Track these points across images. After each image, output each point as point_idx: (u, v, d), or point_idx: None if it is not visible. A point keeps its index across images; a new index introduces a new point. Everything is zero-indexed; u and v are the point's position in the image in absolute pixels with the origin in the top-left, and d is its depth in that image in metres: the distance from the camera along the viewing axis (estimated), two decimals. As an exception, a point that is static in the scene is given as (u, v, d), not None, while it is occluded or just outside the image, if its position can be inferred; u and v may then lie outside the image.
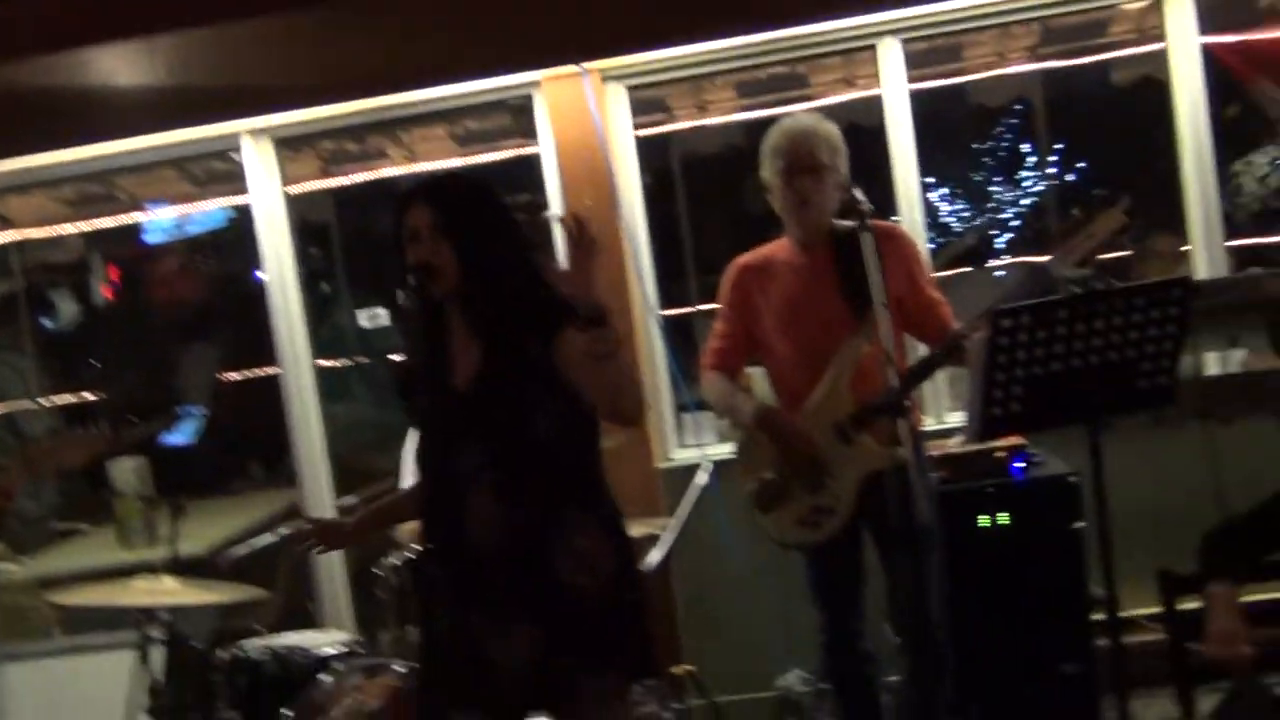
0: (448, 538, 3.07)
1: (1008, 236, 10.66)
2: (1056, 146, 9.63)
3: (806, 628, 4.62)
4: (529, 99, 5.34)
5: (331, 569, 5.58)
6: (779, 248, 4.20)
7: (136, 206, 7.27)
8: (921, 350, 4.39)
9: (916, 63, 5.53)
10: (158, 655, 4.18)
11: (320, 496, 5.59)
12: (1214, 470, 3.78)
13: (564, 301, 2.89)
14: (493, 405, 3.06)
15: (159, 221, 7.88)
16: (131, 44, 4.92)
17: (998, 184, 10.93)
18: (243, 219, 7.74)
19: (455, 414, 3.05)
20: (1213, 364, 4.35)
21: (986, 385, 3.44)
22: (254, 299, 8.79)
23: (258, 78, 5.00)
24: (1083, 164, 9.75)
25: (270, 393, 7.46)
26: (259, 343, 8.09)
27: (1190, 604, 3.40)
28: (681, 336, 5.97)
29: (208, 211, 7.95)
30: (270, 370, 7.52)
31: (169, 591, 4.09)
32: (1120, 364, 3.42)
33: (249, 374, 7.77)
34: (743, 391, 4.22)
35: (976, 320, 3.75)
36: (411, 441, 4.59)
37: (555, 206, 5.25)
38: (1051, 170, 10.00)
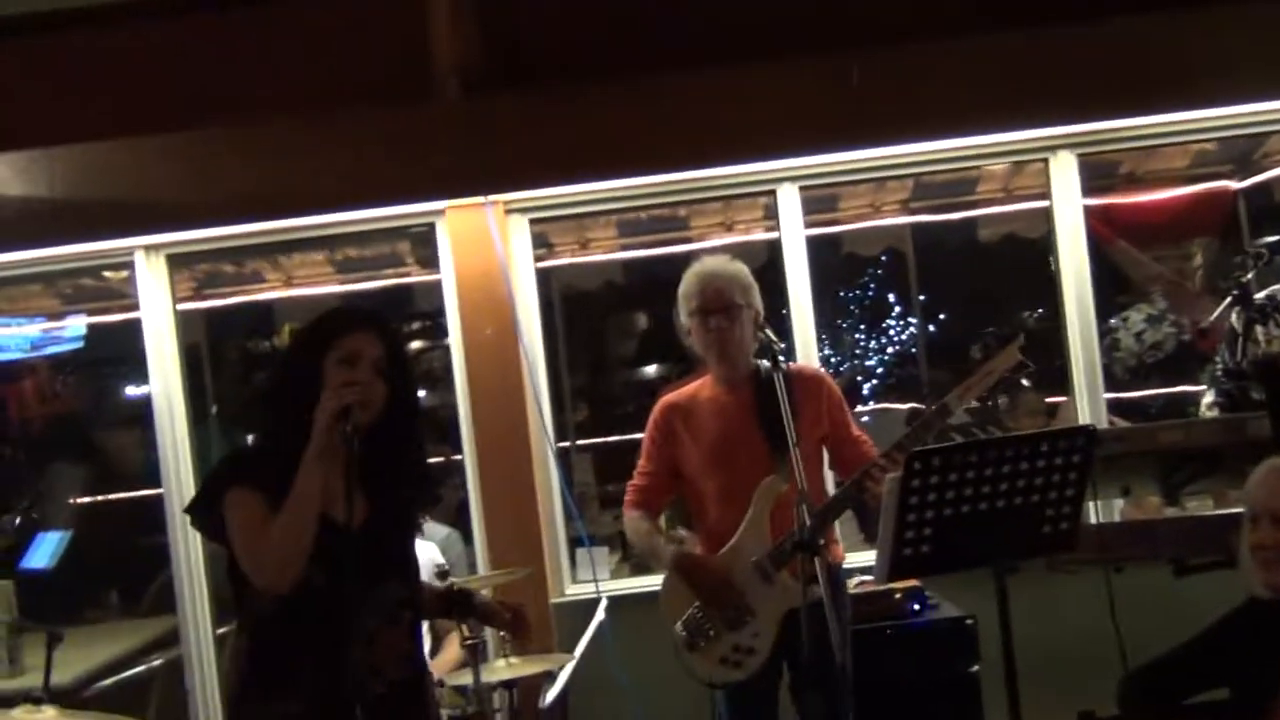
0: (350, 679, 2.87)
1: (872, 383, 10.92)
2: (922, 297, 9.93)
3: None
4: (431, 227, 5.34)
5: (209, 699, 5.36)
6: (702, 386, 4.25)
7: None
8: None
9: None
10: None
11: (200, 625, 5.38)
12: (1109, 615, 3.84)
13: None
14: (399, 546, 3.07)
15: (13, 338, 7.67)
16: (24, 155, 4.87)
17: (863, 331, 11.23)
18: (99, 338, 7.63)
19: (355, 550, 2.84)
20: (1106, 512, 4.48)
21: (899, 526, 3.47)
22: (116, 420, 8.61)
23: (157, 195, 4.94)
24: (946, 315, 10.07)
25: (132, 517, 7.25)
26: (119, 465, 7.94)
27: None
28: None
29: (65, 330, 7.77)
30: (126, 495, 7.35)
31: (41, 724, 3.87)
32: (1026, 508, 3.47)
33: (106, 497, 7.54)
34: (661, 534, 4.23)
35: (885, 458, 3.83)
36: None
37: (454, 333, 5.22)
38: (914, 321, 10.29)
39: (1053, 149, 5.39)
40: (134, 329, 6.95)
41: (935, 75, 4.99)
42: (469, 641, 3.96)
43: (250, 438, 3.26)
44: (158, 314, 5.43)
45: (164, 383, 5.42)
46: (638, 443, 4.42)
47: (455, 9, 4.95)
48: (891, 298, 10.78)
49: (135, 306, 6.75)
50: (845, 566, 4.32)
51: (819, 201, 5.99)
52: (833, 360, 10.76)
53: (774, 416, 3.82)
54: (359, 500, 2.87)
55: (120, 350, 8.38)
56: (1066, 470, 3.46)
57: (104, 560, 7.31)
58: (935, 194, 6.66)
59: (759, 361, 4.10)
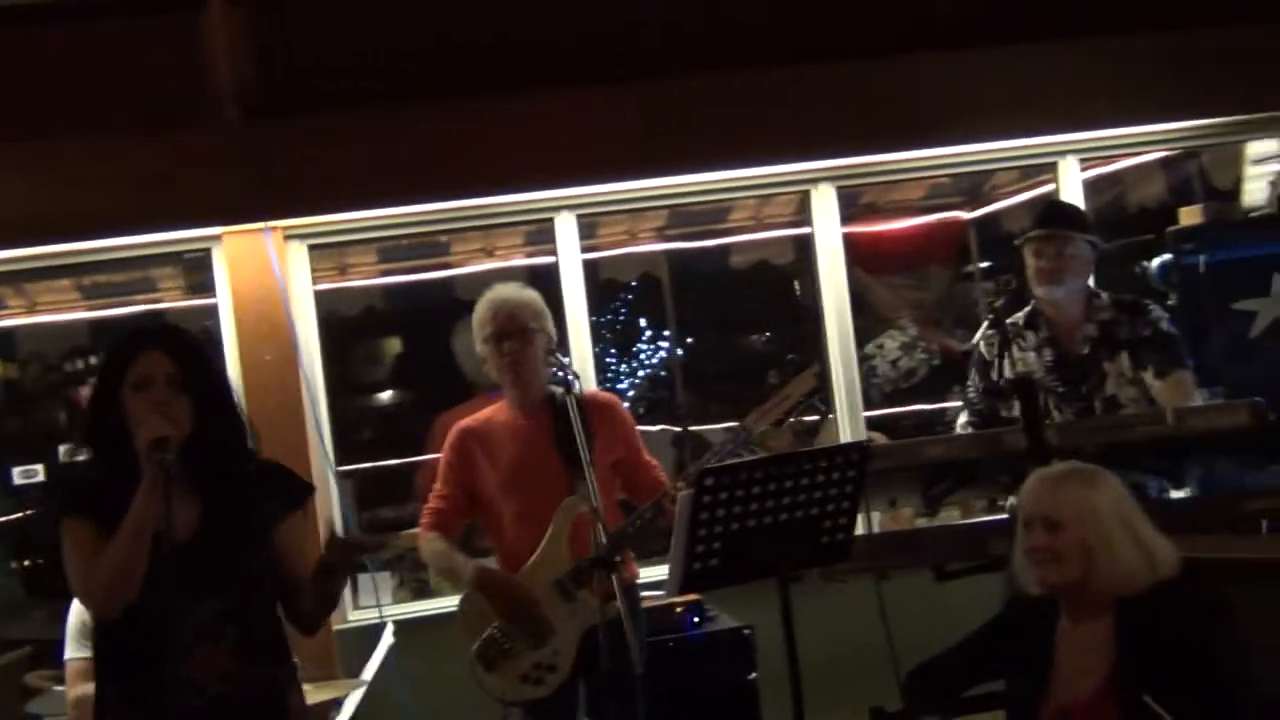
0: (170, 693, 2.88)
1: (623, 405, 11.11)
2: (674, 323, 10.18)
3: None
4: (207, 253, 5.28)
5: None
6: (497, 410, 4.34)
7: None
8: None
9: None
10: None
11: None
12: (880, 620, 4.09)
13: (287, 481, 3.15)
14: (224, 560, 3.01)
15: None
16: None
17: (613, 356, 11.44)
18: None
19: (178, 565, 2.83)
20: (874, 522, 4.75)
21: (690, 541, 3.63)
22: None
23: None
24: (699, 339, 10.34)
25: None
26: None
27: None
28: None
29: None
30: None
31: None
32: (806, 521, 3.68)
33: None
34: (459, 553, 4.28)
35: (683, 478, 4.01)
36: (76, 606, 4.40)
37: (231, 358, 5.17)
38: (666, 345, 10.54)
39: (814, 181, 5.70)
40: None
41: (716, 108, 5.22)
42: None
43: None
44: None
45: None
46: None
47: (232, 36, 4.95)
48: (643, 322, 11.02)
49: None
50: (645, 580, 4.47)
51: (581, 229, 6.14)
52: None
53: (570, 440, 3.97)
54: (182, 516, 2.88)
55: None
56: (843, 484, 3.68)
57: None
58: (690, 222, 6.91)
59: (553, 388, 4.22)
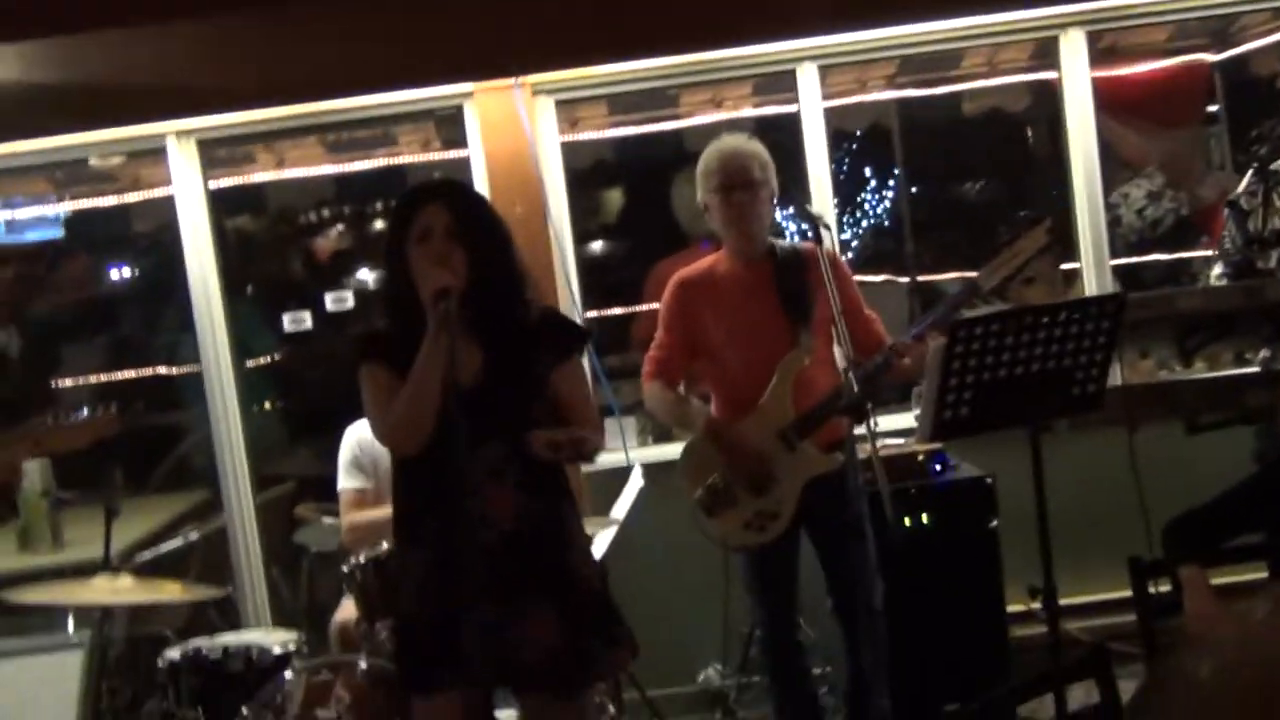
0: (463, 528, 3.11)
1: (847, 256, 11.07)
2: (897, 172, 10.04)
3: (720, 625, 4.95)
4: (459, 109, 5.43)
5: (252, 565, 5.54)
6: (717, 261, 4.41)
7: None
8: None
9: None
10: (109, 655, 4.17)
11: (242, 496, 5.56)
12: (1131, 471, 4.09)
13: (568, 327, 3.30)
14: (508, 405, 3.19)
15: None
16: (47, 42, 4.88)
17: (837, 207, 11.34)
18: (81, 224, 7.66)
19: (464, 410, 3.05)
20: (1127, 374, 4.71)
21: (941, 390, 3.68)
22: (117, 303, 8.69)
23: (190, 79, 4.98)
24: (928, 190, 10.20)
25: (137, 397, 7.33)
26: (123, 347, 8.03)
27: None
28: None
29: (42, 219, 7.79)
30: (131, 374, 7.43)
31: (129, 590, 4.06)
32: (1058, 372, 3.69)
33: (112, 377, 7.62)
34: (688, 401, 4.40)
35: (922, 332, 4.04)
36: (349, 441, 4.69)
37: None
38: (892, 195, 10.41)
39: (1063, 26, 5.54)
40: (119, 214, 7.07)
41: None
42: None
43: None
44: (191, 196, 5.50)
45: (199, 263, 5.51)
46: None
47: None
48: (867, 172, 10.90)
49: (124, 190, 6.91)
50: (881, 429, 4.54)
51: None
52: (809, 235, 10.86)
53: (795, 290, 4.05)
54: (466, 363, 3.10)
55: (107, 235, 8.48)
56: (1096, 335, 3.68)
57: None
58: (922, 68, 6.79)
59: (775, 240, 4.26)
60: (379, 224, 10.08)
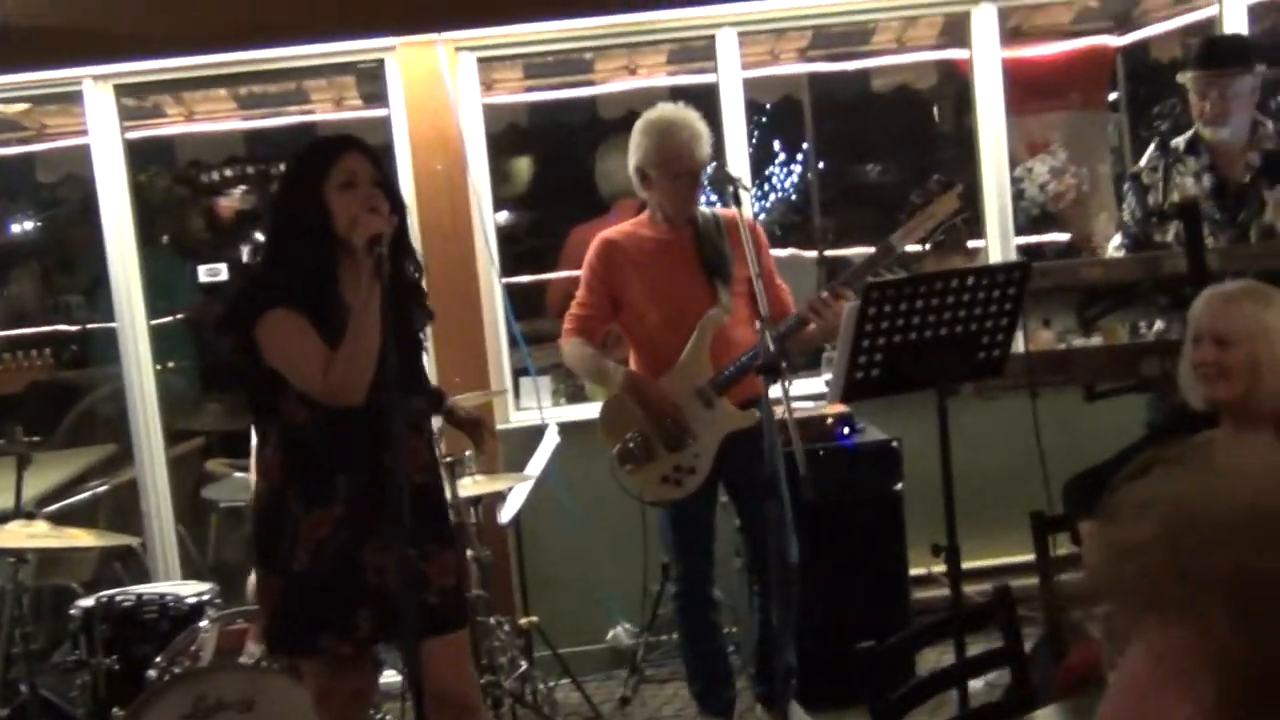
0: (369, 471, 3.17)
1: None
2: (806, 146, 10.14)
3: (631, 585, 5.05)
4: (380, 64, 5.43)
5: (162, 519, 5.52)
6: (639, 224, 4.52)
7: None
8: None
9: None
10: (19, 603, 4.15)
11: (154, 449, 5.53)
12: (1033, 437, 4.23)
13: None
14: (411, 357, 3.28)
15: None
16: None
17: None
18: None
19: (391, 363, 3.04)
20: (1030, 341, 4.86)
21: (853, 351, 3.78)
22: (19, 257, 8.54)
23: (107, 24, 4.94)
24: (842, 166, 10.32)
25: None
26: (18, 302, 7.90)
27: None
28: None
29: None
30: (28, 331, 7.33)
31: (44, 536, 4.05)
32: (966, 336, 3.82)
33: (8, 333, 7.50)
34: (606, 358, 4.48)
35: (835, 290, 4.14)
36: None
37: (405, 168, 5.35)
38: (799, 168, 10.52)
39: (975, 1, 5.65)
40: (22, 163, 6.95)
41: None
42: (447, 459, 4.20)
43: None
44: (108, 144, 5.42)
45: (115, 215, 5.43)
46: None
47: None
48: (776, 145, 10.99)
49: (30, 140, 6.80)
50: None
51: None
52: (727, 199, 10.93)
53: (714, 254, 4.17)
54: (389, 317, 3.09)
55: (7, 186, 8.32)
56: (1003, 302, 3.81)
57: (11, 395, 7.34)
58: (832, 43, 6.89)
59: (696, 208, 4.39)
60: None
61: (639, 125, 4.44)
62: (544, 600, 5.11)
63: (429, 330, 3.60)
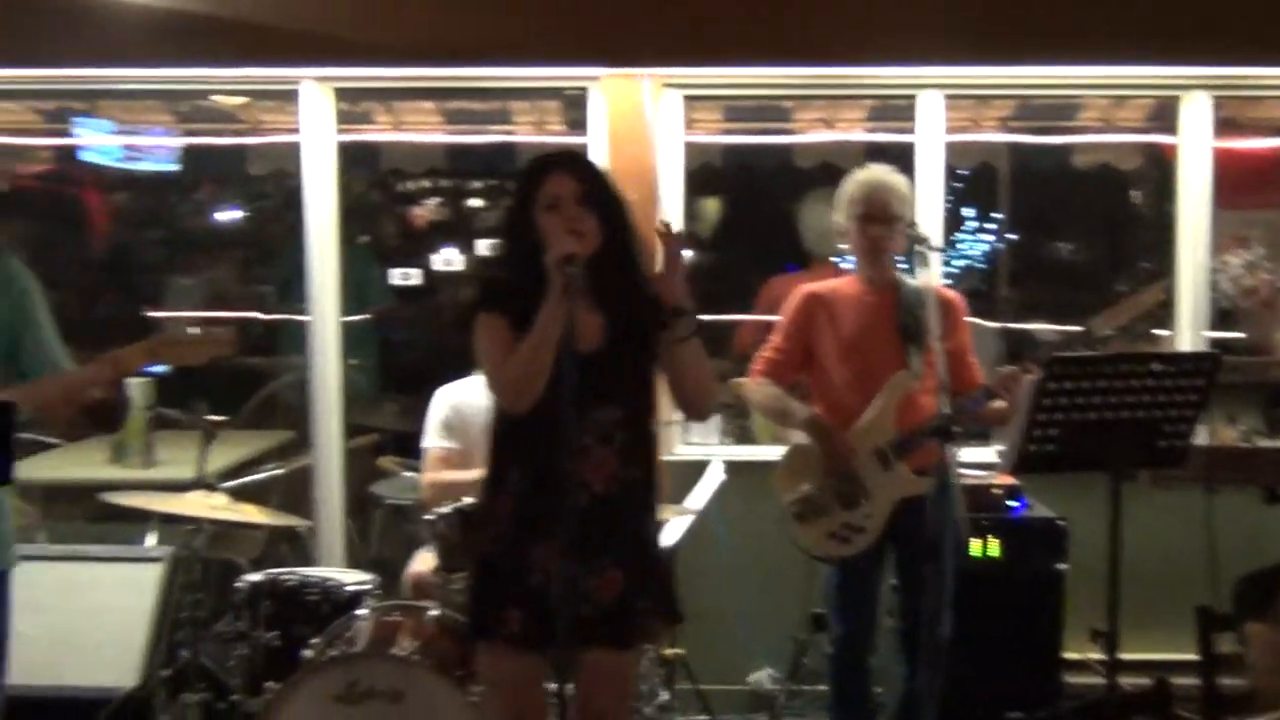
0: (556, 486, 3.17)
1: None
2: (999, 216, 10.03)
3: (780, 630, 5.10)
4: (585, 92, 5.56)
5: (332, 507, 5.70)
6: (845, 283, 4.58)
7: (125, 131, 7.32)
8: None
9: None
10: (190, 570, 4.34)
11: (333, 439, 5.73)
12: (1206, 533, 4.14)
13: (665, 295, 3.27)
14: (622, 372, 3.31)
15: (106, 148, 7.84)
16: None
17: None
18: (195, 160, 7.85)
19: (580, 373, 3.12)
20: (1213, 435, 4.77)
21: (1030, 423, 3.76)
22: (220, 243, 8.92)
23: (333, 29, 5.18)
24: (1035, 239, 10.18)
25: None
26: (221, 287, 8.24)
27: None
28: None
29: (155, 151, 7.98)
30: (227, 314, 7.62)
31: (222, 508, 4.22)
32: (1146, 422, 3.76)
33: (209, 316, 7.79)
34: (791, 399, 4.51)
35: (1025, 368, 4.11)
36: (442, 401, 4.83)
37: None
38: (990, 236, 10.41)
39: (1187, 88, 5.56)
40: (235, 154, 7.23)
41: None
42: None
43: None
44: (321, 144, 5.63)
45: (320, 212, 5.64)
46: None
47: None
48: (967, 212, 10.89)
49: (245, 133, 7.07)
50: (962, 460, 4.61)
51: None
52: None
53: (910, 321, 4.20)
54: (588, 327, 3.22)
55: (221, 175, 8.69)
56: (1189, 392, 3.75)
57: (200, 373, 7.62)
58: (1036, 115, 6.82)
59: (901, 274, 4.42)
60: (475, 202, 10.28)
61: (847, 179, 4.50)
62: (691, 634, 5.12)
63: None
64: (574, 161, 3.38)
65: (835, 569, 4.46)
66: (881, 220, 4.37)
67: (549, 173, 3.29)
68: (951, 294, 4.59)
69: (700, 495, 4.87)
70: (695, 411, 3.53)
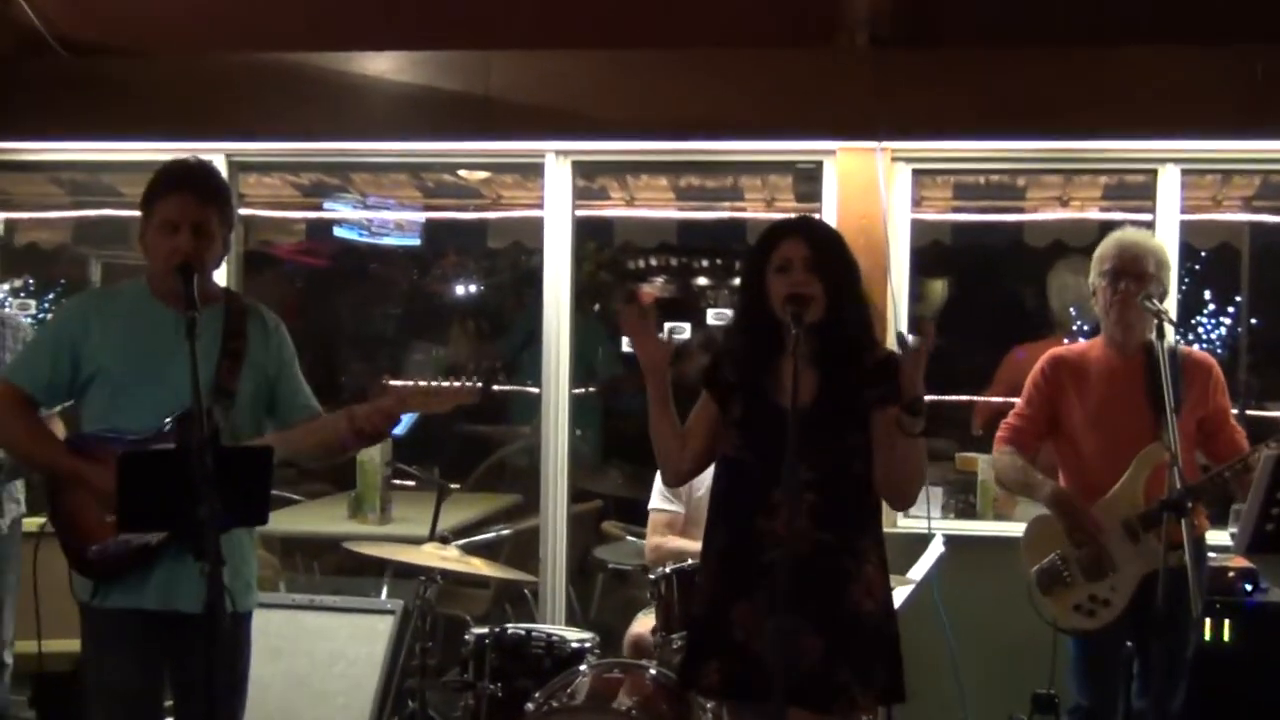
0: (753, 545, 3.28)
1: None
2: (1239, 299, 9.69)
3: (993, 708, 5.06)
4: (819, 165, 5.65)
5: (557, 568, 5.85)
6: (1092, 348, 4.49)
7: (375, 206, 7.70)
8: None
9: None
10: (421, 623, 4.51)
11: (558, 502, 5.88)
12: None
13: (895, 368, 3.22)
14: (824, 432, 3.31)
15: (354, 225, 8.24)
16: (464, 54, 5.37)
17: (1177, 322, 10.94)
18: (436, 233, 8.16)
19: (771, 428, 3.20)
20: None
21: (1266, 501, 3.64)
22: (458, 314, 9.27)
23: (576, 104, 5.41)
24: (1273, 320, 9.80)
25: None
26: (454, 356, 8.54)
27: None
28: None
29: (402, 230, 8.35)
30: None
31: (453, 560, 4.38)
32: (1392, 508, 3.59)
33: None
34: (1036, 470, 4.45)
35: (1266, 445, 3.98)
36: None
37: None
38: (1230, 320, 10.06)
39: None
40: (477, 229, 7.52)
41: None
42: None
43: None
44: (560, 217, 5.83)
45: (556, 285, 5.83)
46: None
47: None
48: (1206, 294, 10.56)
49: (486, 207, 7.35)
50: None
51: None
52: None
53: (1160, 388, 4.05)
54: (802, 383, 3.19)
55: (462, 249, 9.05)
56: None
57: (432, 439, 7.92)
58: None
59: (1152, 337, 4.25)
60: (702, 280, 10.44)
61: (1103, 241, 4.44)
62: (907, 708, 5.06)
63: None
64: (808, 227, 3.47)
65: (1076, 642, 4.37)
66: (1132, 276, 4.25)
67: (783, 237, 3.38)
68: (1204, 356, 4.47)
69: (920, 567, 4.83)
70: (900, 500, 3.48)
